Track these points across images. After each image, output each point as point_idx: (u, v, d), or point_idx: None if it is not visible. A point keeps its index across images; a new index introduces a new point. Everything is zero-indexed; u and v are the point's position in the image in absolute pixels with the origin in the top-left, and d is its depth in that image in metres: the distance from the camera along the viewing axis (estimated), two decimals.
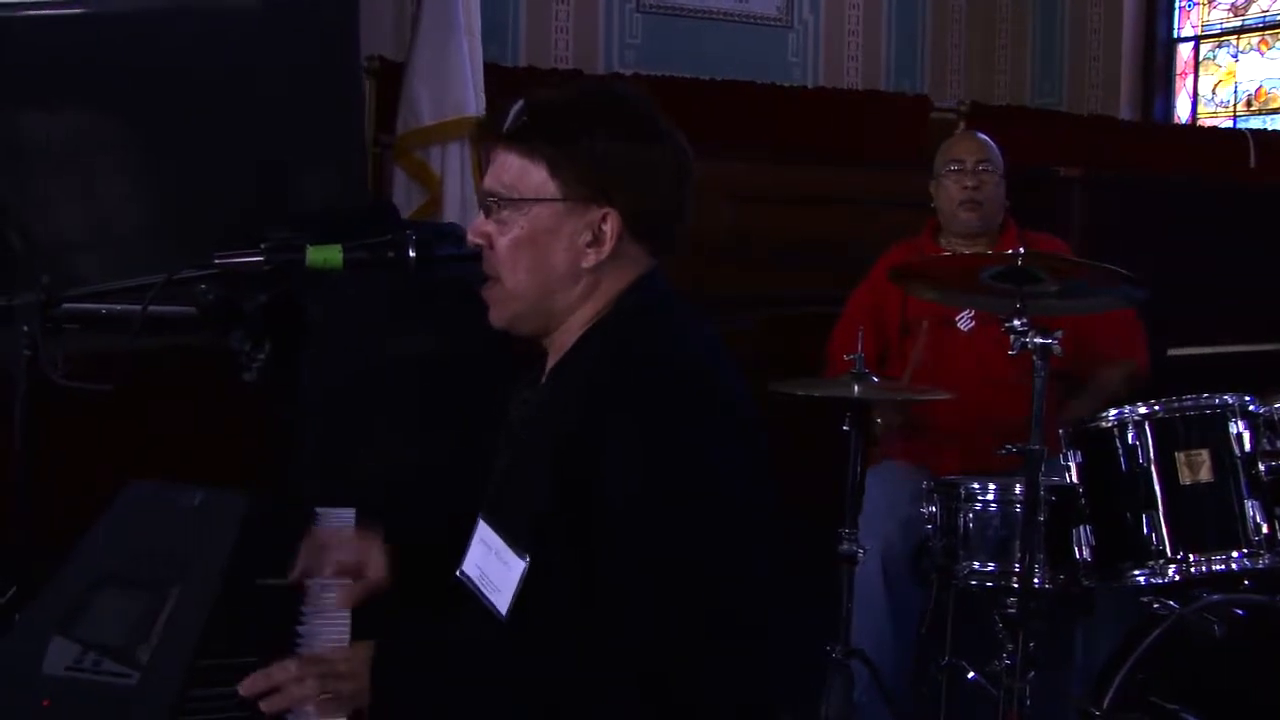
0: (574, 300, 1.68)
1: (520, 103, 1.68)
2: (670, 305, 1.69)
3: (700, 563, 1.47)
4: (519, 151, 1.66)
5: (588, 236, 1.64)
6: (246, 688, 1.47)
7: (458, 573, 1.70)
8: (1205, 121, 8.27)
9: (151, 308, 1.81)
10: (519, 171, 1.65)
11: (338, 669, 1.51)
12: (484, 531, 1.67)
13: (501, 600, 1.60)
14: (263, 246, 1.69)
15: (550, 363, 1.73)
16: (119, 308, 1.91)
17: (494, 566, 1.62)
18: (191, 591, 1.68)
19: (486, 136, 1.71)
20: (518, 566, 1.57)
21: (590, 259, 1.65)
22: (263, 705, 1.46)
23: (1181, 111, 8.42)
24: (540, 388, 1.73)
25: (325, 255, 1.68)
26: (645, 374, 1.57)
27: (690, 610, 1.45)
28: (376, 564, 1.93)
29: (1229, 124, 8.11)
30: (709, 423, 1.55)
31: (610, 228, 1.63)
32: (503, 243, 1.67)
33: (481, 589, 1.64)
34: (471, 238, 1.71)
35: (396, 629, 1.64)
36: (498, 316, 1.71)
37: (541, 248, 1.65)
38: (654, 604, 1.45)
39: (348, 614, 1.83)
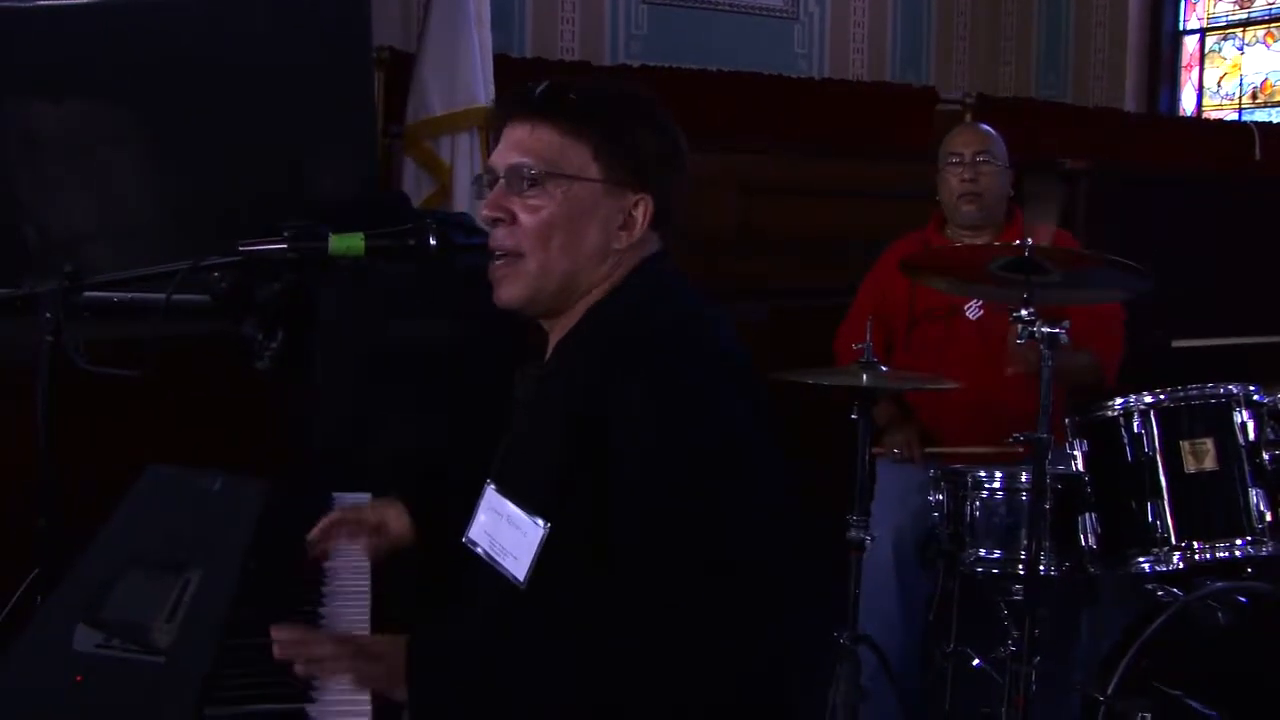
0: (596, 279, 1.71)
1: (548, 82, 1.70)
2: (676, 279, 1.74)
3: (715, 518, 1.50)
4: (559, 129, 1.67)
5: (619, 220, 1.69)
6: (281, 644, 1.49)
7: (463, 539, 1.73)
8: (1211, 114, 8.28)
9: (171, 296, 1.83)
10: (559, 149, 1.67)
11: (373, 650, 1.53)
12: (494, 500, 1.70)
13: (518, 566, 1.61)
14: (286, 235, 1.71)
15: (554, 339, 1.75)
16: (130, 296, 1.94)
17: (507, 533, 1.65)
18: (215, 573, 1.71)
19: (521, 108, 1.71)
20: (536, 533, 1.59)
21: (621, 241, 1.69)
22: (297, 667, 1.49)
23: (1187, 104, 8.42)
24: (546, 363, 1.76)
25: (348, 243, 1.71)
26: (654, 339, 1.62)
27: (704, 566, 1.48)
28: (398, 519, 1.98)
29: (1234, 117, 8.12)
30: (718, 384, 1.59)
31: (642, 213, 1.69)
32: (532, 220, 1.67)
33: (493, 555, 1.67)
34: (489, 212, 1.70)
35: (423, 620, 1.66)
36: (513, 293, 1.70)
37: (577, 226, 1.68)
38: (670, 561, 1.48)
39: (368, 583, 1.86)
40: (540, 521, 1.59)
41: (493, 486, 1.71)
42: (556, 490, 1.59)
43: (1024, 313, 2.60)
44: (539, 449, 1.64)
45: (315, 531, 1.97)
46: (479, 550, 1.69)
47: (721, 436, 1.56)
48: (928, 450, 3.29)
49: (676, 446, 1.52)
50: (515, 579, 1.61)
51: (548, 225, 1.67)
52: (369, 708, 1.47)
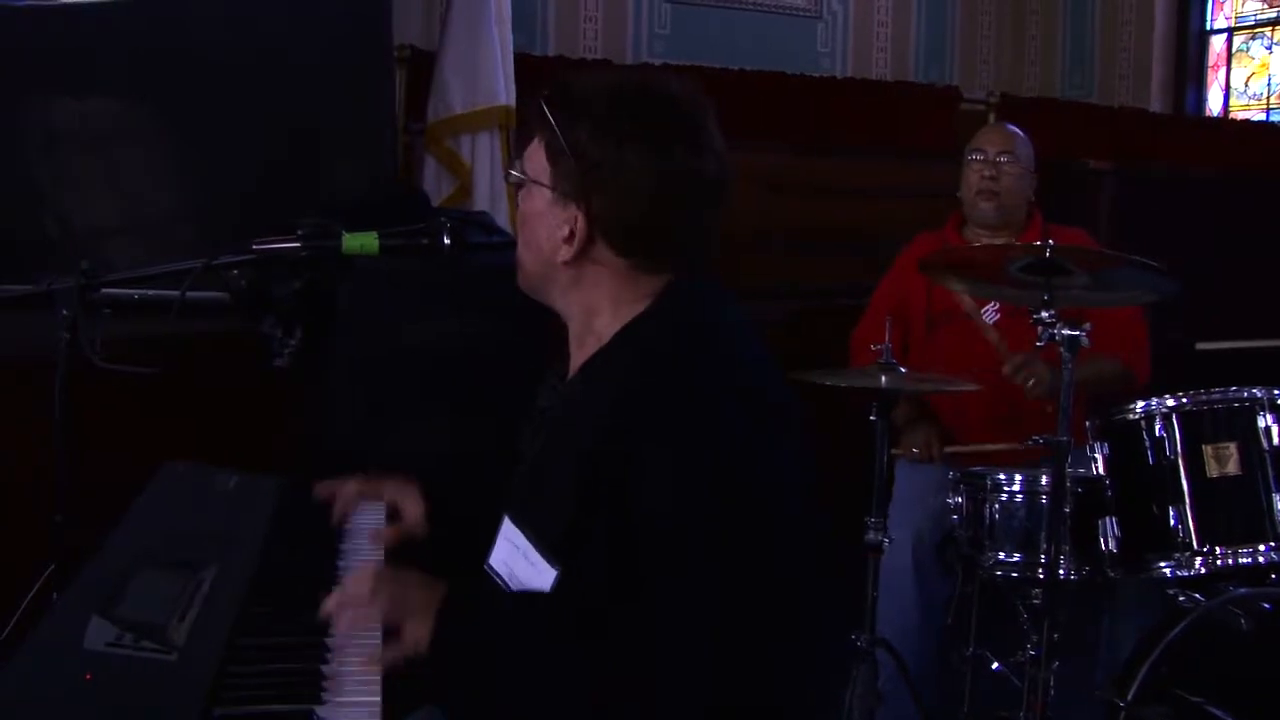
0: (563, 288, 1.67)
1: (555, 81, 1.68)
2: (711, 315, 1.65)
3: (745, 573, 1.47)
4: (535, 131, 1.66)
5: (564, 231, 1.61)
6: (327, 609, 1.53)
7: (486, 565, 1.70)
8: (1238, 114, 8.22)
9: (186, 293, 1.84)
10: (533, 148, 1.66)
11: (412, 596, 1.54)
12: (509, 531, 1.66)
13: None
14: (300, 233, 1.71)
15: (577, 359, 1.71)
16: (152, 293, 1.94)
17: (522, 567, 1.61)
18: (228, 571, 1.71)
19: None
20: (548, 574, 1.56)
21: (563, 254, 1.62)
22: (340, 625, 1.51)
23: (1214, 104, 8.37)
24: (569, 384, 1.71)
25: (361, 242, 1.71)
26: (682, 385, 1.53)
27: (735, 621, 1.46)
28: (414, 508, 1.96)
29: (1262, 117, 8.06)
30: (750, 437, 1.51)
31: (580, 229, 1.60)
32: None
33: (511, 587, 1.64)
34: None
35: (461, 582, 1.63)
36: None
37: (532, 227, 1.66)
38: (701, 616, 1.45)
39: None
40: (554, 564, 1.55)
41: (510, 517, 1.67)
42: (569, 533, 1.54)
43: (1044, 315, 2.58)
44: (555, 484, 1.59)
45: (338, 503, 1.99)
46: (499, 581, 1.67)
47: (752, 482, 1.50)
48: (946, 449, 3.28)
49: (712, 499, 1.46)
50: None
51: (520, 221, 1.70)
52: (379, 708, 1.46)
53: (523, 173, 1.66)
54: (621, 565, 1.47)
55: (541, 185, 1.63)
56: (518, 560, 1.62)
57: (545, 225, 1.63)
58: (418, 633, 1.52)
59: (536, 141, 1.65)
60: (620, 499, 1.47)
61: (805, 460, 1.61)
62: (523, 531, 1.62)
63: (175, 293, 1.85)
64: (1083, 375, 2.68)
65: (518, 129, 4.17)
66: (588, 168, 1.57)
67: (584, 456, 1.52)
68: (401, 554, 1.93)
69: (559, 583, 1.55)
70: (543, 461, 1.67)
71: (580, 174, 1.58)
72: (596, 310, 1.66)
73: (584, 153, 1.58)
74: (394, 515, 2.02)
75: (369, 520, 2.09)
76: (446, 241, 1.70)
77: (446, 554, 1.95)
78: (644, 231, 1.60)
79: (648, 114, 1.60)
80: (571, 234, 1.60)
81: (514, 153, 4.15)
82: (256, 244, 1.74)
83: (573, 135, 1.58)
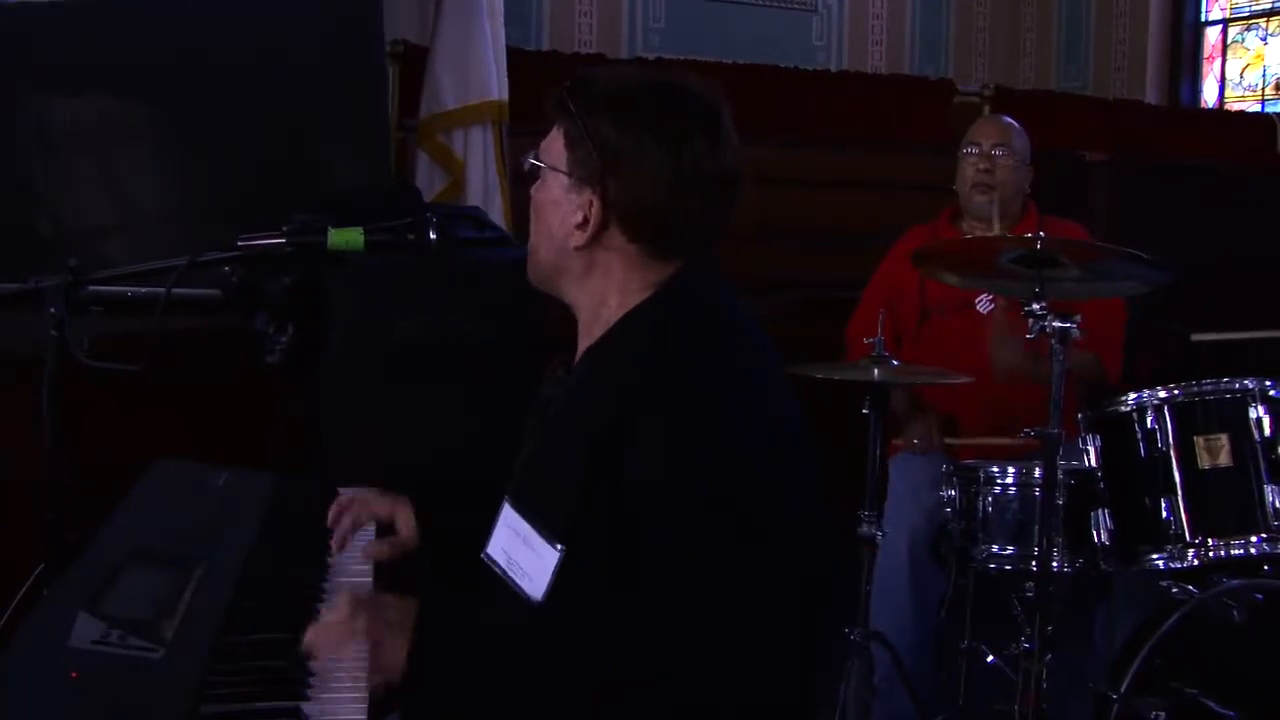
0: (575, 276, 1.69)
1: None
2: (713, 308, 1.67)
3: (735, 578, 1.47)
4: (557, 119, 1.68)
5: (579, 217, 1.64)
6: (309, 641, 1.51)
7: (483, 555, 1.70)
8: (1233, 105, 8.22)
9: (176, 290, 1.84)
10: (551, 138, 1.68)
11: (389, 615, 1.52)
12: (510, 517, 1.66)
13: (534, 587, 1.58)
14: (285, 229, 1.71)
15: (583, 344, 1.72)
16: (143, 290, 1.94)
17: (523, 553, 1.61)
18: (217, 569, 1.71)
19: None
20: (551, 556, 1.56)
21: (576, 239, 1.65)
22: (320, 654, 1.50)
23: (1209, 95, 8.36)
24: (574, 369, 1.73)
25: (347, 237, 1.71)
26: (681, 384, 1.54)
27: (724, 624, 1.46)
28: (406, 522, 1.97)
29: (1257, 108, 8.05)
30: (749, 434, 1.53)
31: (594, 214, 1.63)
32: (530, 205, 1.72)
33: (509, 574, 1.64)
34: None
35: (435, 600, 1.63)
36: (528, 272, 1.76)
37: (546, 215, 1.68)
38: (697, 615, 1.45)
39: (370, 580, 1.86)
40: (557, 546, 1.55)
41: (510, 503, 1.67)
42: (572, 516, 1.54)
43: (1036, 306, 2.58)
44: (557, 469, 1.60)
45: (331, 517, 1.98)
46: (496, 569, 1.67)
47: (751, 481, 1.51)
48: (947, 441, 3.27)
49: (703, 499, 1.47)
50: (530, 599, 1.58)
51: (533, 209, 1.71)
52: (365, 704, 1.46)
53: (538, 161, 1.69)
54: (618, 563, 1.48)
55: (558, 171, 1.65)
56: (517, 546, 1.63)
57: (560, 212, 1.66)
58: (397, 651, 1.51)
59: (555, 130, 1.67)
60: (618, 498, 1.48)
61: (807, 456, 1.63)
62: (524, 517, 1.63)
63: (163, 290, 1.85)
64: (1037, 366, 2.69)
65: (512, 123, 4.17)
66: (607, 154, 1.61)
67: (587, 444, 1.53)
68: (394, 568, 1.92)
69: (561, 565, 1.54)
70: (546, 447, 1.69)
71: (599, 159, 1.61)
72: (605, 298, 1.68)
73: (604, 139, 1.61)
74: (387, 529, 2.01)
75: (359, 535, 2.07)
76: (432, 236, 1.70)
77: (442, 551, 1.96)
78: (657, 215, 1.63)
79: (668, 107, 1.64)
80: (586, 219, 1.64)
81: (507, 148, 4.16)
82: (241, 240, 1.74)
83: (593, 123, 1.62)
